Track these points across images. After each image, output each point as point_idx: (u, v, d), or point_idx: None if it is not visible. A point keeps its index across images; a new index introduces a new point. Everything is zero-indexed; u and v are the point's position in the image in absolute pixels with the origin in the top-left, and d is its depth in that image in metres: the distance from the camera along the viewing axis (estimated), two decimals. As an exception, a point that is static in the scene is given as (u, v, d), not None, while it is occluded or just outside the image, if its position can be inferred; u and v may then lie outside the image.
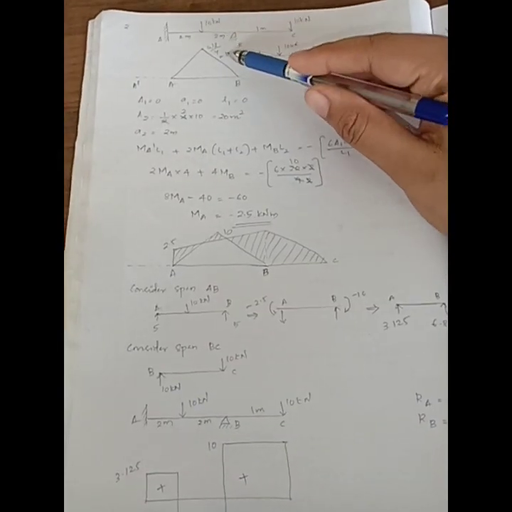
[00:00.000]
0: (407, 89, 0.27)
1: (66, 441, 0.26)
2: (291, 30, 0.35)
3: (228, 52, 0.34)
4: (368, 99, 0.28)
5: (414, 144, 0.26)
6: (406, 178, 0.27)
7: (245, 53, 0.33)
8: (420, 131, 0.28)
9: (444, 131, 0.26)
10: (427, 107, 0.26)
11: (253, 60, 0.33)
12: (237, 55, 0.33)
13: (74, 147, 0.32)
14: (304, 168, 0.31)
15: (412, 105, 0.26)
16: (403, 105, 0.27)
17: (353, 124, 0.27)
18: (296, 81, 0.30)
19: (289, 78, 0.31)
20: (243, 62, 0.33)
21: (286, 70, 0.30)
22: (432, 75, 0.26)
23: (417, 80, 0.26)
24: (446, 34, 0.31)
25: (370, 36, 0.27)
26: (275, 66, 0.31)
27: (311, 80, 0.29)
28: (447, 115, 0.25)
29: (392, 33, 0.27)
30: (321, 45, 0.29)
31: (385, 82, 0.27)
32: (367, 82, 0.28)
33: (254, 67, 0.33)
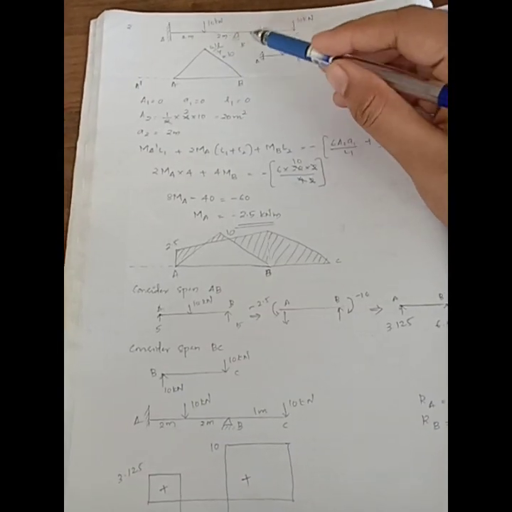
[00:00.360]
0: (430, 70, 0.26)
1: (68, 442, 0.26)
2: (294, 29, 0.34)
3: (251, 32, 0.33)
4: (389, 83, 0.27)
5: (431, 133, 0.26)
6: (419, 167, 0.27)
7: (268, 33, 0.32)
8: (436, 121, 0.27)
9: None
10: None
11: (275, 40, 0.32)
12: (260, 35, 0.32)
13: (75, 147, 0.32)
14: (307, 168, 0.31)
15: (436, 91, 0.25)
16: (426, 91, 0.26)
17: (369, 105, 0.27)
18: (318, 62, 0.30)
19: (310, 59, 0.30)
20: (265, 43, 0.32)
21: (309, 51, 0.30)
22: None
23: (441, 60, 0.25)
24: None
25: (396, 10, 0.27)
26: (297, 47, 0.31)
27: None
28: None
29: (420, 7, 0.27)
30: (345, 23, 0.28)
31: (409, 58, 0.27)
32: (390, 66, 0.28)
33: (276, 48, 0.32)
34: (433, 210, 0.28)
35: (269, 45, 0.32)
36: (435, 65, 0.26)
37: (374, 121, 0.27)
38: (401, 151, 0.27)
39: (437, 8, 0.34)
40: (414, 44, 0.26)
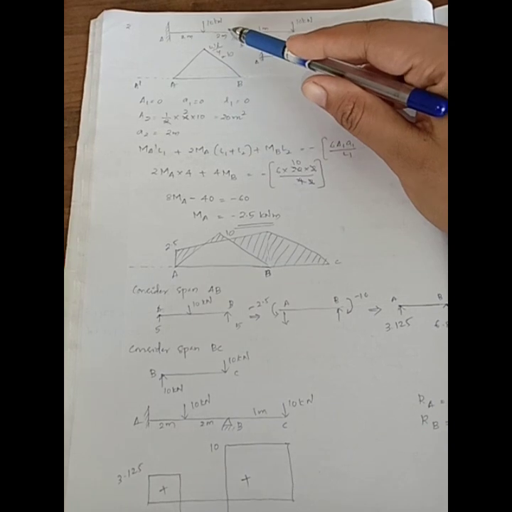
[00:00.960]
0: (401, 78, 0.27)
1: (68, 442, 0.26)
2: (293, 30, 0.34)
3: (229, 29, 0.33)
4: (363, 87, 0.28)
5: (407, 131, 0.27)
6: (398, 164, 0.28)
7: (246, 31, 0.33)
8: (416, 119, 0.28)
9: (434, 120, 0.26)
10: (418, 98, 0.26)
11: (254, 38, 0.32)
12: (238, 32, 0.33)
13: (75, 147, 0.32)
14: (306, 169, 0.31)
15: (405, 95, 0.27)
16: (396, 95, 0.27)
17: (350, 113, 0.28)
18: (295, 64, 0.30)
19: (288, 60, 0.31)
20: (243, 40, 0.33)
21: (285, 53, 0.30)
22: (425, 66, 0.26)
23: (409, 69, 0.26)
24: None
25: (367, 22, 0.28)
26: (275, 47, 0.31)
27: (309, 64, 0.30)
28: (438, 106, 0.25)
29: (389, 20, 0.28)
30: (318, 30, 0.29)
31: (380, 69, 0.28)
32: (363, 70, 0.28)
33: (254, 46, 0.32)
34: (414, 203, 0.29)
35: (247, 43, 0.33)
36: (405, 74, 0.27)
37: (356, 125, 0.28)
38: (382, 150, 0.28)
39: (436, 8, 0.34)
40: (384, 56, 0.27)
